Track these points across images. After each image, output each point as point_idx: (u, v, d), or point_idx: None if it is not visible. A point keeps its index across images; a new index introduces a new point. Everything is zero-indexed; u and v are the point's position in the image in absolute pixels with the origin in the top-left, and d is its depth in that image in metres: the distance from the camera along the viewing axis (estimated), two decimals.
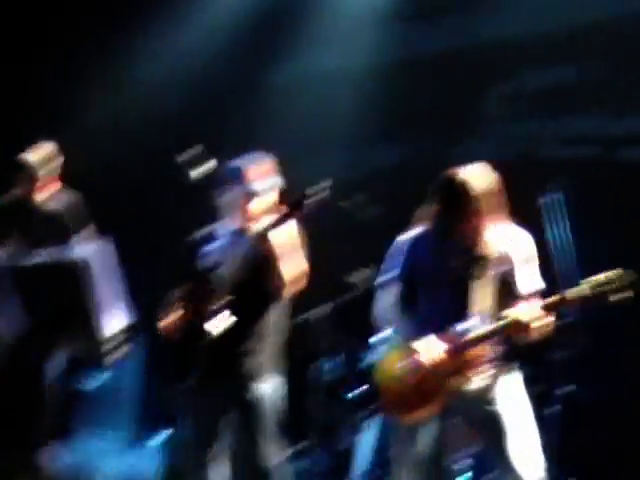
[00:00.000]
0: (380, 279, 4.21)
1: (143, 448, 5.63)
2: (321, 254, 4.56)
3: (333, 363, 6.20)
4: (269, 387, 4.32)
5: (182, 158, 4.05)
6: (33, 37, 7.39)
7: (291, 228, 4.25)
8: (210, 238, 4.48)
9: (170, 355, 4.13)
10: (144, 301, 5.46)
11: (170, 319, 4.22)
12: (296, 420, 6.05)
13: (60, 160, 5.51)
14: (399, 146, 7.29)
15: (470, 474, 5.29)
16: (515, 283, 3.99)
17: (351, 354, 6.18)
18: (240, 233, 4.39)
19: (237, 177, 4.33)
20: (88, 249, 4.38)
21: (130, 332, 3.92)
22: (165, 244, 5.11)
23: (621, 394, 5.78)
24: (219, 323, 4.13)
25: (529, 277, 4.02)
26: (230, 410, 4.30)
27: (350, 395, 6.02)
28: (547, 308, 3.86)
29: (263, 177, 4.35)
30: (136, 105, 7.34)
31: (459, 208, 3.93)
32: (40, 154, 5.41)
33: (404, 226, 4.19)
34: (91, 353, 4.06)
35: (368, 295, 5.62)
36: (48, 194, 5.41)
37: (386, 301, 4.17)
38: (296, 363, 6.11)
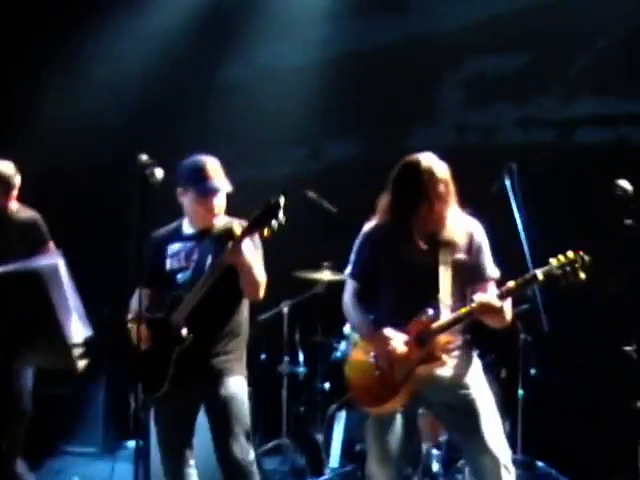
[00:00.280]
0: (348, 269, 4.21)
1: (115, 457, 5.61)
2: (281, 249, 4.56)
3: (297, 359, 6.21)
4: (242, 383, 4.31)
5: (136, 163, 4.01)
6: None
7: (254, 238, 4.24)
8: (172, 237, 4.43)
9: (140, 364, 4.10)
10: (106, 309, 5.47)
11: (138, 327, 4.18)
12: (267, 418, 6.08)
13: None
14: (356, 137, 7.30)
15: (441, 463, 5.33)
16: (483, 268, 4.01)
17: (317, 348, 6.19)
18: (203, 233, 4.36)
19: (197, 175, 4.29)
20: (54, 259, 4.35)
21: (94, 341, 3.89)
22: (118, 248, 5.05)
23: (584, 375, 5.84)
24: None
25: (491, 263, 4.06)
26: (206, 408, 4.28)
27: (319, 388, 6.04)
28: (518, 288, 3.86)
29: (220, 175, 4.34)
30: (90, 106, 7.29)
31: (424, 193, 3.93)
32: (12, 165, 5.37)
33: (366, 216, 4.18)
34: (60, 361, 4.02)
35: (332, 288, 5.67)
36: (18, 205, 5.39)
37: (347, 296, 4.18)
38: (261, 361, 6.17)
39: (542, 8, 6.47)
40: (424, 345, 3.92)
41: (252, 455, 4.28)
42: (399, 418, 4.04)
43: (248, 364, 4.40)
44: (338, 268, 5.69)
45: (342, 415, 5.70)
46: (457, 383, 4.01)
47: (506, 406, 4.99)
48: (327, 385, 6.04)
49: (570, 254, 3.81)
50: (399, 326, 3.96)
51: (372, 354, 4.00)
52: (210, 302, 4.16)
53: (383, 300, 4.10)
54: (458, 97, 6.92)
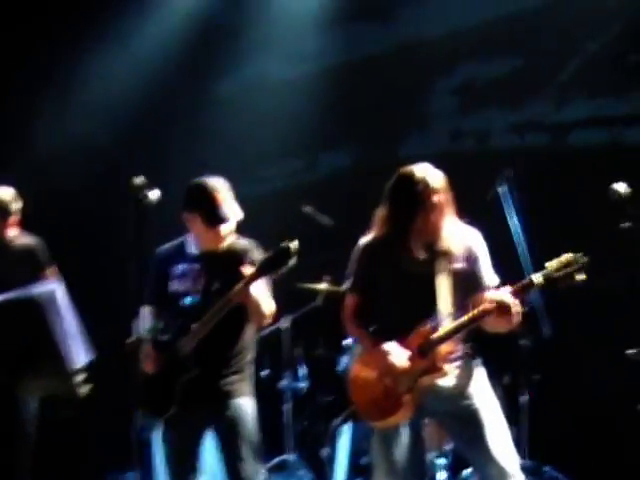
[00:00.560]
0: (347, 283, 4.19)
1: None
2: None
3: (299, 374, 6.18)
4: (249, 404, 4.29)
5: (131, 185, 3.98)
6: None
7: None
8: (176, 256, 4.37)
9: (148, 387, 4.08)
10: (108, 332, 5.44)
11: (147, 352, 4.16)
12: (271, 434, 6.05)
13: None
14: (350, 148, 7.29)
15: (447, 472, 5.31)
16: (482, 276, 4.00)
17: (319, 362, 6.16)
18: (209, 255, 4.30)
19: (207, 202, 4.21)
20: (54, 285, 4.34)
21: (95, 366, 3.88)
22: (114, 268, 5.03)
23: (587, 381, 5.82)
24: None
25: (490, 271, 4.04)
26: (214, 430, 4.26)
27: (323, 402, 6.02)
28: (516, 293, 3.84)
29: (231, 201, 4.27)
30: (81, 126, 7.28)
31: (420, 203, 3.93)
32: (11, 191, 5.35)
33: (362, 227, 4.17)
34: (62, 388, 4.00)
35: (331, 301, 5.65)
36: (18, 231, 5.38)
37: (347, 311, 4.16)
38: (263, 377, 6.14)
39: (532, 12, 6.48)
40: (426, 356, 3.90)
41: (262, 476, 4.27)
42: (404, 430, 4.01)
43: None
44: (336, 281, 5.66)
45: (347, 428, 5.67)
46: (459, 393, 4.00)
47: (510, 412, 4.96)
48: (330, 399, 6.01)
49: (568, 256, 3.80)
50: (400, 337, 3.94)
51: (376, 366, 3.98)
52: (217, 328, 4.13)
53: (383, 312, 4.08)
54: (451, 103, 6.91)
